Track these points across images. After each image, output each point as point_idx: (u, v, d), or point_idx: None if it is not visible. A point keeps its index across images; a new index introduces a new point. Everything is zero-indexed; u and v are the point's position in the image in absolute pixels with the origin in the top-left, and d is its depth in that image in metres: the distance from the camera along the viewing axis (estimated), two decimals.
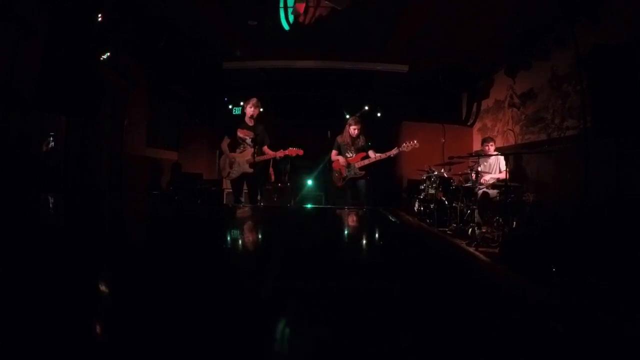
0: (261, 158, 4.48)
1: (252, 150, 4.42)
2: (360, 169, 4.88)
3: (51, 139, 4.26)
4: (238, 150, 4.54)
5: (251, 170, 4.41)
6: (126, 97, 6.19)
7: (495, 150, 5.50)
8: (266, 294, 0.59)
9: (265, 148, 4.53)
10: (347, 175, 4.94)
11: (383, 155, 4.80)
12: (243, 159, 4.44)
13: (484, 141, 5.61)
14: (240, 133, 4.53)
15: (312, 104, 7.80)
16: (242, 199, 4.72)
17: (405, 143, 4.88)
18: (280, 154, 4.46)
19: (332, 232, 1.46)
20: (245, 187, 4.64)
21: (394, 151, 4.82)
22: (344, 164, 4.94)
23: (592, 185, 4.05)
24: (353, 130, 4.90)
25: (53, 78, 3.84)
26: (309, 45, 6.29)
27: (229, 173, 4.56)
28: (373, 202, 5.22)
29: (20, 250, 0.77)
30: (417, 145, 4.88)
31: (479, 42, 5.70)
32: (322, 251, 0.99)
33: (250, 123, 4.48)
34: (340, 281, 0.68)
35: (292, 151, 4.46)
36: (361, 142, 4.94)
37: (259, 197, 4.66)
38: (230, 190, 4.98)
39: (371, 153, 4.86)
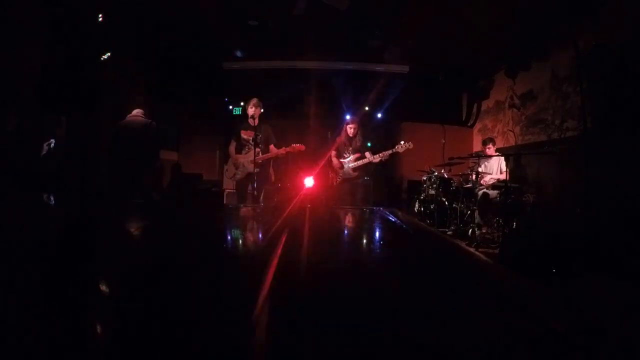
0: (264, 157, 4.47)
1: (256, 150, 4.42)
2: (354, 169, 4.86)
3: (52, 140, 4.26)
4: (243, 152, 4.55)
5: (256, 170, 4.41)
6: (126, 97, 6.19)
7: (495, 151, 5.50)
8: (266, 294, 0.59)
9: (272, 147, 4.53)
10: (341, 176, 4.93)
11: (377, 158, 4.75)
12: (248, 160, 4.44)
13: (484, 142, 5.60)
14: (244, 134, 4.54)
15: (312, 104, 7.80)
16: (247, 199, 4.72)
17: (399, 144, 4.86)
18: (282, 151, 4.46)
19: (332, 232, 1.46)
20: (250, 187, 4.64)
21: (389, 152, 4.79)
22: (338, 164, 4.93)
23: (592, 186, 4.05)
24: (350, 129, 4.89)
25: (53, 78, 3.85)
26: (309, 45, 6.29)
27: (234, 174, 4.58)
28: (373, 202, 5.22)
29: (20, 251, 0.77)
30: (411, 147, 4.86)
31: (479, 42, 5.70)
32: (321, 251, 0.99)
33: (253, 123, 4.48)
34: (340, 280, 0.68)
35: (295, 148, 4.45)
36: (358, 142, 4.91)
37: (261, 198, 4.65)
38: (232, 190, 4.97)
39: (367, 154, 4.83)
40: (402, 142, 4.88)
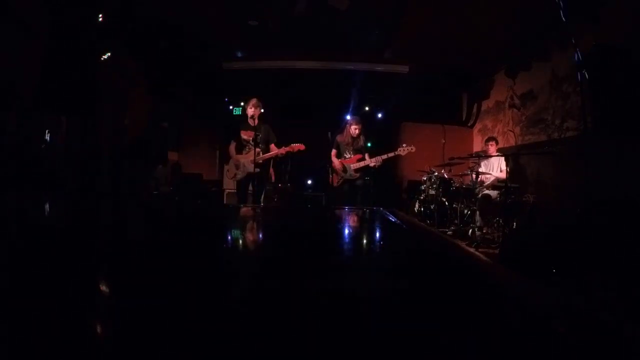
0: (265, 156, 4.47)
1: (256, 150, 4.41)
2: (356, 170, 4.85)
3: (51, 139, 4.27)
4: (244, 152, 4.54)
5: (257, 170, 4.42)
6: (126, 97, 6.19)
7: (496, 151, 5.50)
8: (266, 294, 0.59)
9: (272, 145, 4.53)
10: (342, 177, 4.90)
11: (378, 161, 4.73)
12: (248, 160, 4.44)
13: (487, 140, 5.63)
14: (243, 135, 4.54)
15: (313, 104, 7.81)
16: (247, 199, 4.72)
17: (401, 147, 4.84)
18: (282, 150, 4.45)
19: (331, 232, 1.46)
20: (250, 187, 4.64)
21: (382, 157, 4.77)
22: (339, 165, 4.91)
23: (592, 186, 4.05)
24: (354, 130, 4.87)
25: (53, 78, 3.85)
26: (309, 45, 6.29)
27: (235, 174, 4.58)
28: (373, 202, 5.21)
29: (20, 252, 0.77)
30: (414, 150, 4.85)
31: (479, 42, 5.71)
32: (321, 251, 0.99)
33: (252, 123, 4.48)
34: (339, 281, 0.68)
35: (294, 147, 4.44)
36: (361, 142, 4.91)
37: (261, 198, 4.65)
38: (232, 190, 4.97)
39: (367, 157, 4.83)
40: (404, 145, 4.87)
